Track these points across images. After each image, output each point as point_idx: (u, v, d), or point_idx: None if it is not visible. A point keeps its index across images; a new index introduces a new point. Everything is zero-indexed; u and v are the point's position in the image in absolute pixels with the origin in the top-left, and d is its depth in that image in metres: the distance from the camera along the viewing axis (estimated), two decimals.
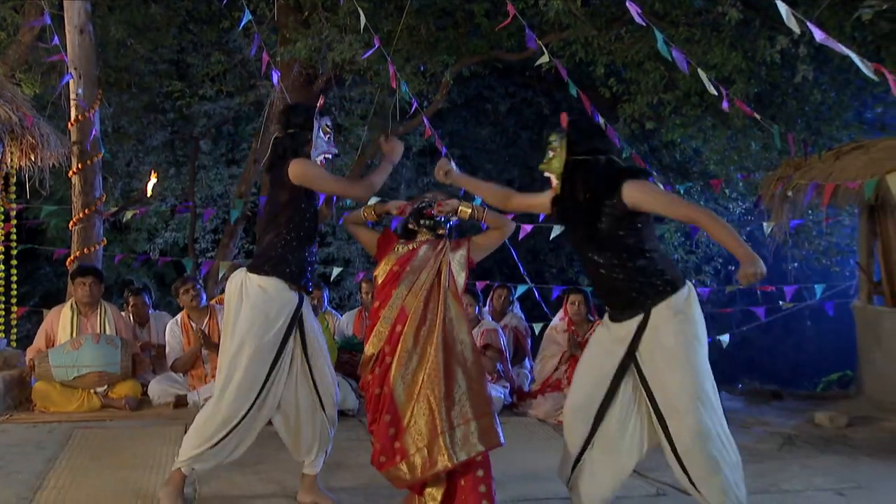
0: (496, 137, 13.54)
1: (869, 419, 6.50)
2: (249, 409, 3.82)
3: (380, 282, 3.94)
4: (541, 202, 3.80)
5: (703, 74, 5.61)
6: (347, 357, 6.96)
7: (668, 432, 3.32)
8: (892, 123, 9.38)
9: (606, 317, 3.59)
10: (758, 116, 6.04)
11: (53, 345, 6.40)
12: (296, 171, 3.83)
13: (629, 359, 3.43)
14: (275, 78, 7.66)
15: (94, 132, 7.68)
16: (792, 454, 5.38)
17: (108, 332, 6.45)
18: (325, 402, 4.04)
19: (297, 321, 3.92)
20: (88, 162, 7.60)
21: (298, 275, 3.91)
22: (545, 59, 6.20)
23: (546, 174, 3.60)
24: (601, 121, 7.33)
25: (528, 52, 8.73)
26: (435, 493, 3.72)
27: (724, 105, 6.01)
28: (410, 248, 3.94)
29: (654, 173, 9.14)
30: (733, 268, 13.59)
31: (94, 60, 7.79)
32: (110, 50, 9.97)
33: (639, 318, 3.39)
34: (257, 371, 3.81)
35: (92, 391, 6.23)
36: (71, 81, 7.60)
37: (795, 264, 11.52)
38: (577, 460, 3.56)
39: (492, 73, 11.48)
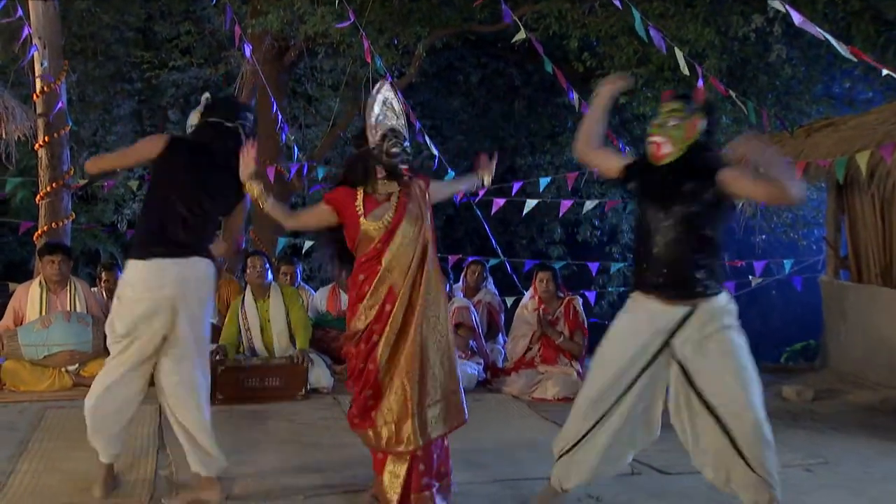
0: (467, 108, 13.50)
1: (834, 392, 6.62)
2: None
3: (361, 253, 3.79)
4: (614, 165, 3.72)
5: (679, 54, 5.62)
6: (321, 334, 6.95)
7: (724, 424, 3.42)
8: (860, 98, 9.49)
9: (642, 298, 3.57)
10: (732, 94, 6.07)
11: (22, 322, 6.30)
12: None
13: (664, 348, 3.51)
14: (247, 51, 7.54)
15: (60, 104, 7.51)
16: None
17: (78, 309, 6.35)
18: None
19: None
20: (55, 135, 7.44)
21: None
22: (521, 35, 6.17)
23: (655, 138, 3.49)
24: (574, 96, 7.34)
25: (500, 25, 8.69)
26: (398, 471, 3.73)
27: (700, 84, 6.03)
28: (385, 223, 3.75)
29: (627, 148, 9.17)
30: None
31: (58, 30, 7.60)
32: (74, 18, 9.74)
33: (685, 310, 3.46)
34: None
35: (63, 370, 6.15)
36: (35, 53, 7.41)
37: (763, 237, 11.66)
38: (580, 440, 3.61)
39: (464, 44, 11.42)
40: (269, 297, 6.42)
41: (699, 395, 3.47)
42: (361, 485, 4.08)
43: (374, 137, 3.76)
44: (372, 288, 3.73)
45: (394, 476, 3.73)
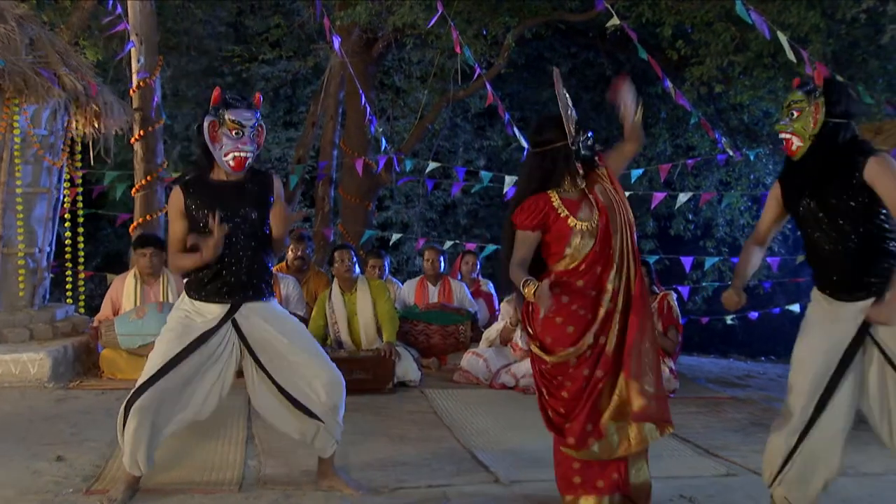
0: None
1: None
2: None
3: (576, 260, 3.47)
4: (773, 206, 3.51)
5: (783, 38, 5.34)
6: (409, 327, 6.92)
7: None
8: None
9: (822, 294, 3.37)
10: (839, 78, 5.74)
11: (118, 312, 6.46)
12: None
13: (862, 338, 3.27)
14: (336, 44, 7.55)
15: (155, 99, 7.69)
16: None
17: (171, 300, 6.47)
18: (302, 401, 3.76)
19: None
20: (150, 129, 7.63)
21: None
22: (614, 21, 6.00)
23: (782, 135, 3.35)
24: (669, 85, 7.11)
25: (591, 13, 8.49)
26: (642, 464, 3.56)
27: (808, 70, 5.72)
28: (595, 222, 3.46)
29: (723, 137, 8.85)
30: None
31: (154, 27, 7.78)
32: (169, 13, 9.98)
33: (870, 301, 3.22)
34: None
35: None
36: (133, 49, 7.60)
37: None
38: (789, 457, 3.36)
39: (553, 33, 11.22)
40: (356, 290, 6.42)
41: None
42: (448, 480, 4.02)
43: (571, 131, 3.45)
44: (597, 294, 3.45)
45: (640, 471, 3.55)
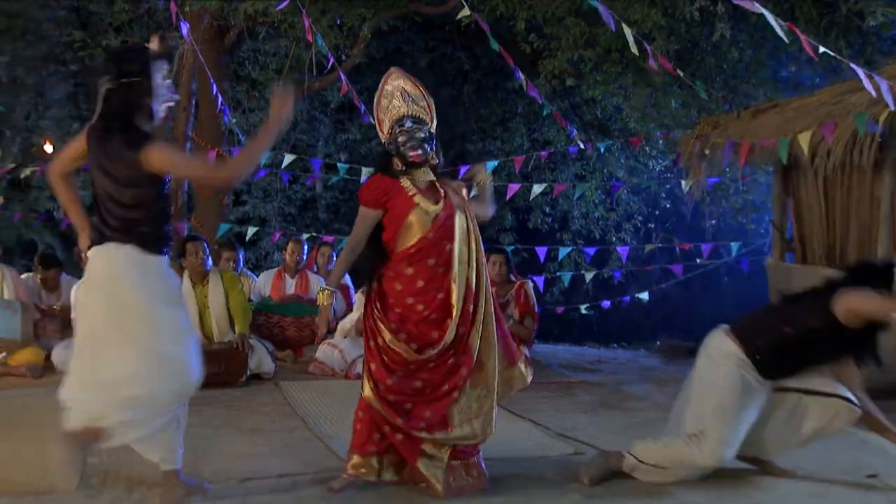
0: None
1: None
2: None
3: (409, 247, 3.62)
4: None
5: (628, 32, 5.52)
6: (263, 319, 6.79)
7: None
8: (805, 82, 9.52)
9: None
10: (680, 73, 6.01)
11: None
12: (158, 158, 3.27)
13: None
14: (184, 30, 7.29)
15: None
16: None
17: (6, 296, 6.10)
18: None
19: None
20: None
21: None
22: (466, 12, 6.05)
23: None
24: (521, 77, 7.26)
25: (447, 6, 8.56)
26: (441, 454, 3.63)
27: (650, 62, 5.95)
28: (440, 209, 3.64)
29: (575, 130, 9.12)
30: (653, 225, 13.81)
31: None
32: None
33: None
34: None
35: None
36: None
37: (713, 222, 11.71)
38: None
39: (411, 27, 11.25)
40: (207, 282, 6.24)
41: None
42: (299, 469, 3.95)
43: (384, 130, 3.76)
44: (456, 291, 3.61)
45: (436, 460, 3.61)
